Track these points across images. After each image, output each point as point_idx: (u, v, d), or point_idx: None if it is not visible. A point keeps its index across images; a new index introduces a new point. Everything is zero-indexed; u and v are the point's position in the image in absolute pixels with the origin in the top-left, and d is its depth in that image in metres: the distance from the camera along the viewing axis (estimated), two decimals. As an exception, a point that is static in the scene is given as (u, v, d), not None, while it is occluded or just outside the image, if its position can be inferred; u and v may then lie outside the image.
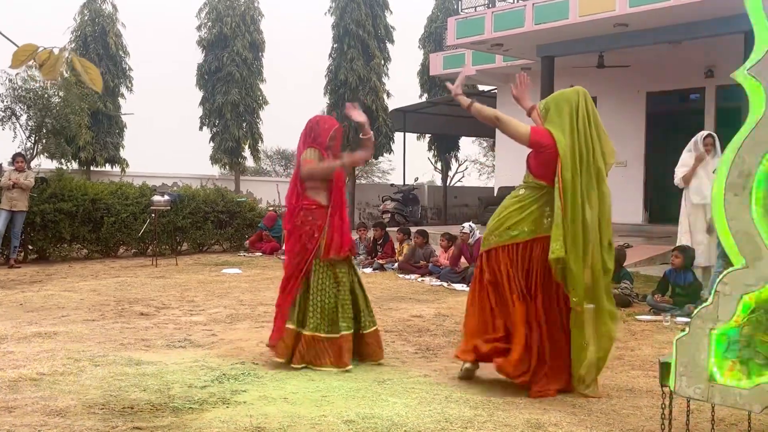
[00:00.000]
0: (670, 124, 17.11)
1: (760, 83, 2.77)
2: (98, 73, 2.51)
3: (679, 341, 2.93)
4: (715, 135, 8.47)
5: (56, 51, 2.48)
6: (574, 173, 4.46)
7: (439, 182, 29.22)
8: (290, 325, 5.18)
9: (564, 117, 4.56)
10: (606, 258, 4.52)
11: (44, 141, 17.52)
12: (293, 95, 66.75)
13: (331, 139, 5.41)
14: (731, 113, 13.33)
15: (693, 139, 8.54)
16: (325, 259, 5.24)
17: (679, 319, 7.07)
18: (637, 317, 7.27)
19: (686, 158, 8.50)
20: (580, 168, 4.48)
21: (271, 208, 15.99)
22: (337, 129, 5.48)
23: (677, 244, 8.30)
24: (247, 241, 14.10)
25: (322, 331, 5.12)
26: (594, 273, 4.50)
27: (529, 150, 4.69)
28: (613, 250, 4.66)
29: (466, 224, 10.54)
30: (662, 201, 17.04)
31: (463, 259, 10.27)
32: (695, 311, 2.96)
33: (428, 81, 25.89)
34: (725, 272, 2.83)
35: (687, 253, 7.80)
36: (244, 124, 24.16)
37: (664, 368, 3.01)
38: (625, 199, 15.89)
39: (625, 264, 8.49)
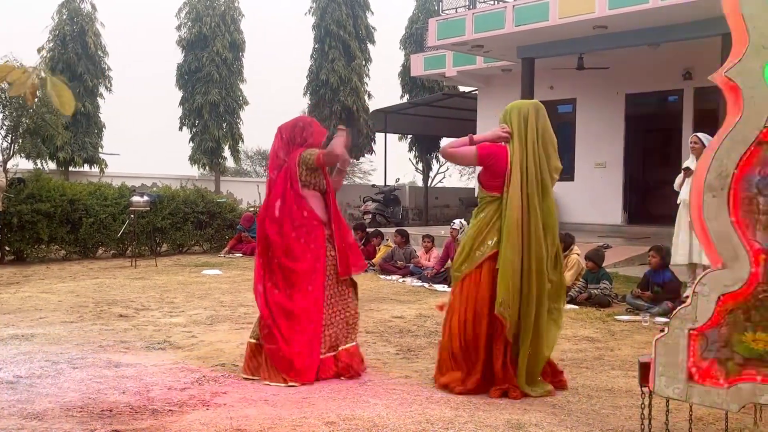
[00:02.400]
0: (649, 125, 17.26)
1: (737, 85, 2.80)
2: (71, 95, 2.47)
3: (659, 341, 2.95)
4: (701, 135, 8.54)
5: (30, 69, 2.45)
6: (521, 180, 4.50)
7: (420, 183, 29.27)
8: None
9: (513, 127, 4.62)
10: (550, 270, 4.54)
11: (20, 141, 17.30)
12: (274, 96, 66.57)
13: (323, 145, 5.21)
14: (710, 115, 13.48)
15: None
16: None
17: (658, 319, 7.13)
18: (617, 317, 7.32)
19: (687, 162, 8.64)
20: (526, 177, 4.51)
21: (251, 210, 15.92)
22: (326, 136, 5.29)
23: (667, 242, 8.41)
24: (227, 246, 14.01)
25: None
26: (534, 285, 4.47)
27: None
28: (560, 265, 4.68)
29: (456, 221, 10.54)
30: (641, 202, 17.20)
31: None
32: (674, 312, 2.98)
33: (409, 82, 25.95)
34: (703, 273, 2.85)
35: (662, 252, 7.90)
36: (224, 125, 24.07)
37: (643, 368, 3.04)
38: (604, 200, 16.01)
39: (604, 265, 8.55)
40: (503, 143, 4.63)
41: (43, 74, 2.50)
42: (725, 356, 2.82)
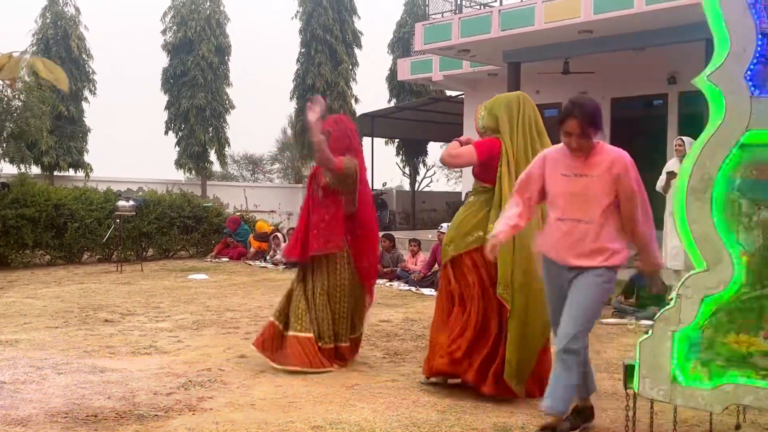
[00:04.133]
0: (634, 129, 17.36)
1: (719, 89, 2.83)
2: (62, 72, 2.48)
3: (643, 343, 2.97)
4: (685, 139, 8.60)
5: (16, 55, 2.45)
6: (510, 168, 4.49)
7: (407, 187, 29.29)
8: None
9: (504, 119, 4.61)
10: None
11: (5, 145, 17.21)
12: (261, 100, 66.43)
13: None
14: (694, 119, 13.57)
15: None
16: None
17: (643, 321, 7.16)
18: (602, 321, 7.34)
19: (669, 165, 8.70)
20: (518, 166, 4.50)
21: (237, 213, 15.88)
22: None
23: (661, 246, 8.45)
24: (214, 251, 13.98)
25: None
26: (529, 271, 4.42)
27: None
28: None
29: (444, 225, 10.56)
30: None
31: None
32: (658, 314, 3.00)
33: (397, 86, 25.99)
34: (686, 275, 2.88)
35: (649, 256, 7.92)
36: (211, 129, 24.00)
37: (628, 370, 3.05)
38: (590, 204, 16.07)
39: (590, 268, 8.57)
40: (496, 137, 4.60)
41: (27, 56, 2.50)
42: (708, 358, 2.84)
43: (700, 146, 2.89)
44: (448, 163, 4.84)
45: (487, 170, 4.61)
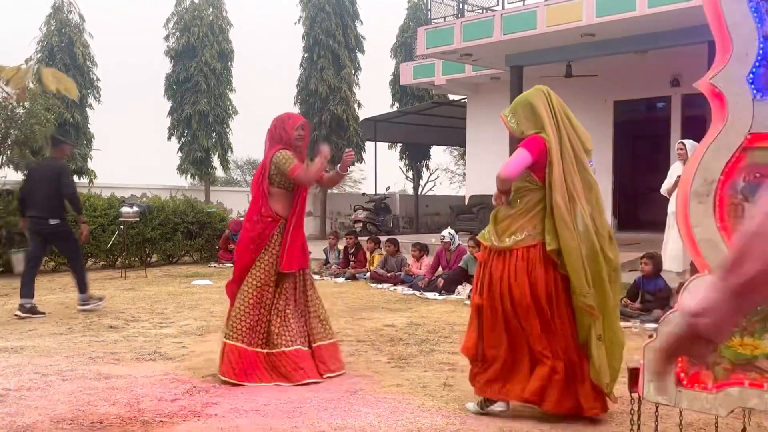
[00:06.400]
0: (638, 132, 17.37)
1: (722, 92, 2.83)
2: (71, 81, 2.50)
3: (648, 347, 2.97)
4: (686, 142, 8.60)
5: (24, 67, 2.47)
6: (560, 167, 4.26)
7: (410, 191, 29.29)
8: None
9: (541, 115, 4.36)
10: (607, 249, 4.23)
11: (9, 152, 17.23)
12: (264, 105, 66.50)
13: (298, 138, 5.22)
14: (697, 121, 13.57)
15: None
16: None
17: (648, 325, 7.15)
18: (607, 324, 7.33)
19: (675, 168, 8.70)
20: (564, 161, 4.29)
21: (241, 218, 15.89)
22: (303, 124, 5.30)
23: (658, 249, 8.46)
24: (219, 245, 14.13)
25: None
26: (596, 266, 4.18)
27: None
28: (614, 242, 4.36)
29: (445, 231, 10.56)
30: (631, 208, 17.28)
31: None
32: (662, 317, 3.00)
33: (399, 90, 26.00)
34: (690, 279, 2.88)
35: (655, 259, 7.90)
36: (214, 134, 24.02)
37: (632, 374, 3.05)
38: (594, 207, 16.06)
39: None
40: (538, 135, 4.33)
41: (36, 68, 2.53)
42: (713, 361, 2.84)
43: (702, 150, 2.89)
44: (506, 178, 4.29)
45: (535, 169, 4.31)
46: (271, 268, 5.11)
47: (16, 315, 7.62)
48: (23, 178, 9.49)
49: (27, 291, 7.74)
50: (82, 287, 8.13)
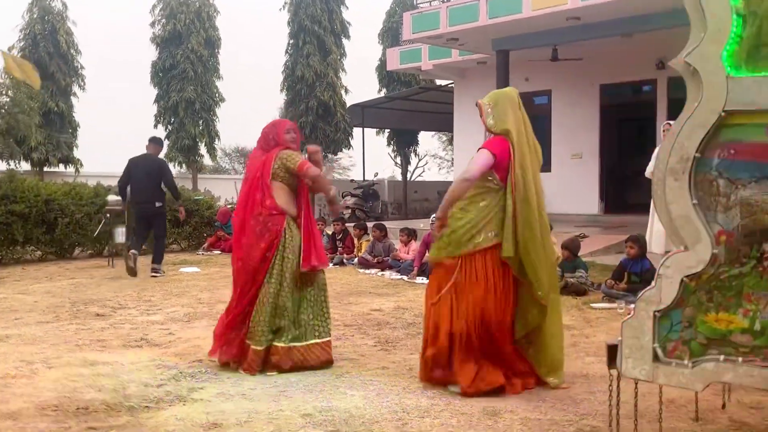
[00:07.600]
0: (624, 115, 17.41)
1: (696, 70, 2.85)
2: (32, 68, 2.48)
3: (625, 324, 3.00)
4: (673, 123, 8.65)
5: None
6: (525, 168, 4.43)
7: (399, 177, 29.30)
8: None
9: (509, 114, 4.51)
10: (553, 249, 4.60)
11: (-6, 142, 17.16)
12: (251, 92, 66.23)
13: (291, 140, 5.22)
14: (683, 104, 13.61)
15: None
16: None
17: (632, 306, 7.20)
18: (592, 305, 7.39)
19: (657, 152, 8.76)
20: (530, 162, 4.46)
21: (229, 205, 15.86)
22: (292, 127, 5.35)
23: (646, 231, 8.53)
24: (206, 243, 13.99)
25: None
26: (550, 265, 4.55)
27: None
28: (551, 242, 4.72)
29: (434, 216, 10.56)
30: (618, 191, 17.34)
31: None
32: (640, 294, 3.03)
33: (386, 76, 25.96)
34: (666, 255, 2.91)
35: (640, 242, 7.96)
36: (201, 122, 23.94)
37: (611, 351, 3.08)
38: (581, 191, 16.14)
39: (581, 253, 8.63)
40: (504, 137, 4.48)
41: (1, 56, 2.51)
42: (689, 336, 2.87)
43: (678, 127, 2.91)
44: (468, 179, 4.44)
45: (497, 169, 4.45)
46: (293, 267, 5.02)
47: (152, 275, 9.99)
48: (124, 171, 10.32)
49: (158, 257, 10.39)
50: (159, 258, 10.34)
